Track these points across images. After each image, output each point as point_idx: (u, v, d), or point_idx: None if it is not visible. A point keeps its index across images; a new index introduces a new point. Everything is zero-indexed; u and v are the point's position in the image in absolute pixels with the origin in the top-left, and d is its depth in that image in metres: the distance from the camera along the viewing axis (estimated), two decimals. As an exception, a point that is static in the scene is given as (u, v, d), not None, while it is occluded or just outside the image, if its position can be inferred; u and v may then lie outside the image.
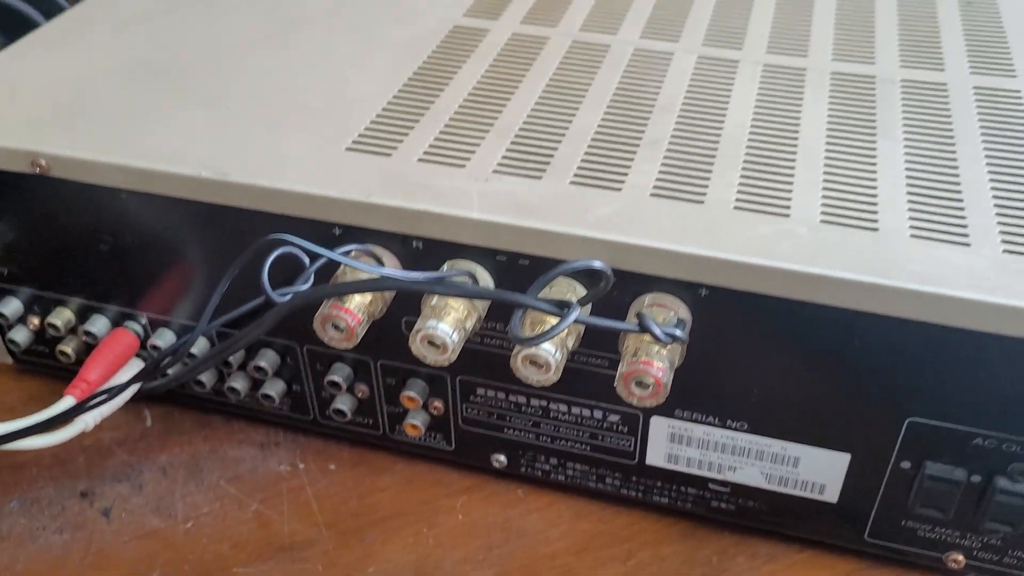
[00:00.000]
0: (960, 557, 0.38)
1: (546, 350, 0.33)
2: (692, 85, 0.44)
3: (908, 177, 0.38)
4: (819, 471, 0.38)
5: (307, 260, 0.34)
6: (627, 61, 0.46)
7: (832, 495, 0.39)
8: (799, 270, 0.32)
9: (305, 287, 0.34)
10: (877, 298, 0.32)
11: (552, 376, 0.34)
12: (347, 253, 0.36)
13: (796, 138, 0.40)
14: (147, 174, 0.38)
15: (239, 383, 0.44)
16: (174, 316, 0.44)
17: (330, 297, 0.35)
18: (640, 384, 0.33)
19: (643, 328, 0.32)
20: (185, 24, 0.50)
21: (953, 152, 0.39)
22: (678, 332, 0.32)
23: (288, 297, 0.33)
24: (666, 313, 0.34)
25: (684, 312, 0.34)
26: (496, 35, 0.49)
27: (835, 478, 0.38)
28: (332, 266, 0.36)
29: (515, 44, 0.48)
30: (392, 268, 0.37)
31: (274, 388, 0.44)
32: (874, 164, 0.38)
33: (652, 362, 0.33)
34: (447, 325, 0.34)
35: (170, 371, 0.42)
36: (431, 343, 0.35)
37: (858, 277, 0.32)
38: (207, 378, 0.45)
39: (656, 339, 0.32)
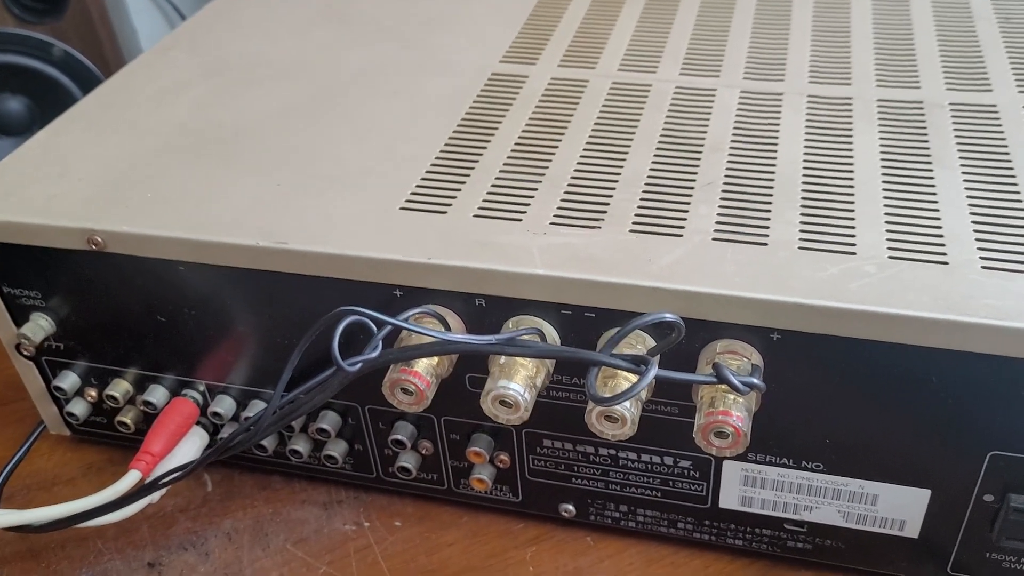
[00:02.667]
0: (1048, 588, 0.38)
1: (623, 406, 0.32)
2: (739, 121, 0.44)
3: (971, 206, 0.37)
4: (899, 508, 0.37)
5: (374, 327, 0.34)
6: (670, 100, 0.46)
7: (913, 531, 0.38)
8: (873, 311, 0.32)
9: (374, 355, 0.34)
10: (953, 335, 0.32)
11: (628, 431, 0.33)
12: (409, 317, 0.36)
13: (852, 171, 0.40)
14: (204, 246, 0.38)
15: (301, 445, 0.44)
16: (232, 382, 0.44)
17: (398, 362, 0.35)
18: (720, 435, 0.33)
19: (720, 379, 0.32)
20: (226, 92, 0.50)
21: (1013, 177, 0.39)
22: (755, 380, 0.32)
23: (358, 367, 0.33)
24: (739, 360, 0.34)
25: (757, 358, 0.34)
26: (535, 81, 0.49)
27: (916, 514, 0.37)
28: (393, 332, 0.36)
29: (556, 88, 0.48)
30: (457, 330, 0.37)
31: (336, 449, 0.44)
32: (934, 194, 0.38)
33: (731, 412, 0.32)
34: (519, 384, 0.34)
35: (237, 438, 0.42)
36: (503, 403, 0.34)
37: (933, 315, 0.32)
38: (269, 442, 0.45)
39: (734, 389, 0.32)
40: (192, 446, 0.44)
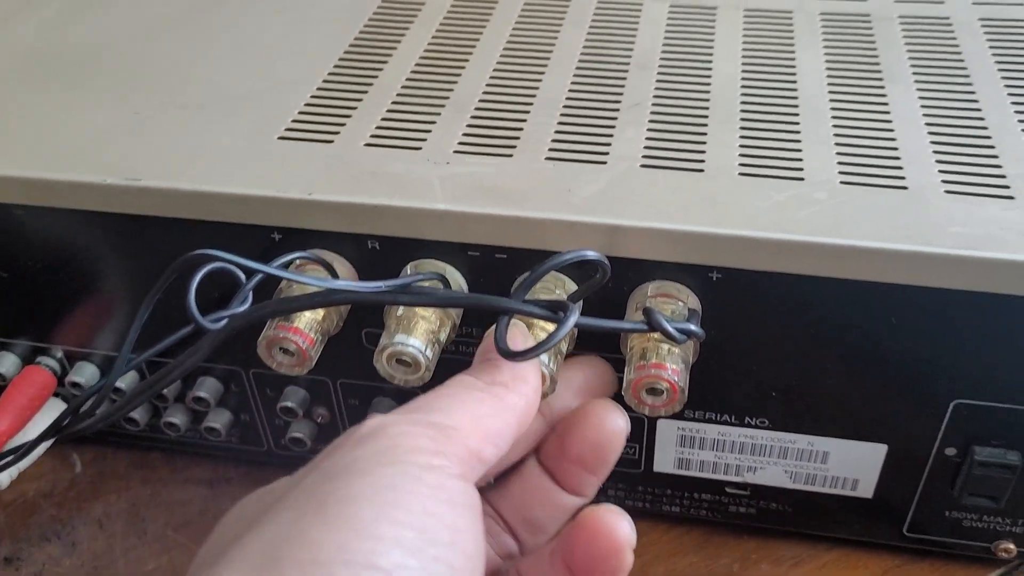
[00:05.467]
0: (1011, 546, 0.34)
1: (541, 360, 0.27)
2: (669, 36, 0.39)
3: (928, 125, 0.33)
4: (851, 465, 0.33)
5: (242, 275, 0.28)
6: (592, 13, 0.41)
7: (867, 490, 0.34)
8: (825, 242, 0.27)
9: (242, 308, 0.28)
10: (918, 268, 0.27)
11: (548, 389, 0.28)
12: (289, 264, 0.30)
13: (795, 89, 0.35)
14: (40, 184, 0.32)
15: (178, 417, 0.38)
16: (95, 347, 0.37)
17: (274, 316, 0.30)
18: (653, 391, 0.28)
19: (652, 326, 0.27)
20: (82, 8, 0.43)
21: (972, 93, 0.35)
22: (692, 327, 0.27)
23: (223, 323, 0.28)
24: (674, 304, 0.29)
25: (693, 301, 0.29)
26: (440, -4, 0.43)
27: (870, 471, 0.33)
28: (275, 278, 0.30)
29: (463, 2, 0.42)
30: (346, 277, 0.31)
31: (219, 419, 0.38)
32: (888, 113, 0.34)
33: (665, 364, 0.28)
34: (418, 339, 0.29)
35: (96, 411, 0.36)
36: (400, 361, 0.29)
37: (895, 246, 0.27)
38: (140, 415, 0.39)
39: (669, 338, 0.27)
40: (49, 420, 0.38)
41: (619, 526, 0.25)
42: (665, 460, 0.35)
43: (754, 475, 0.35)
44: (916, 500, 0.34)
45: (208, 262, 0.27)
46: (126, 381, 0.37)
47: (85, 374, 0.38)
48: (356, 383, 0.36)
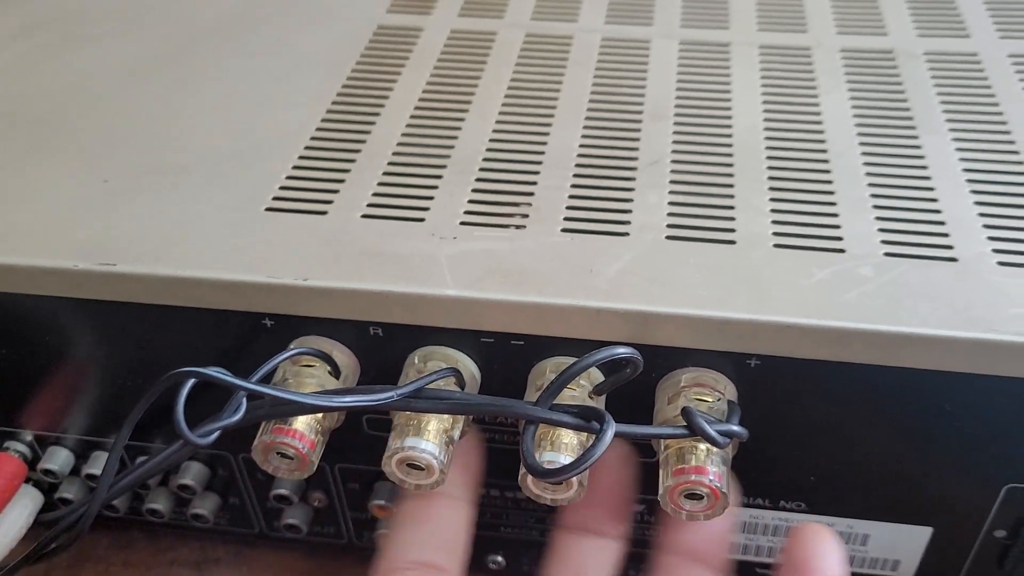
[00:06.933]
0: (1059, 624, 0.32)
1: (569, 471, 0.25)
2: (682, 80, 0.36)
3: (969, 182, 0.31)
4: (893, 547, 0.31)
5: (235, 382, 0.25)
6: (596, 55, 0.38)
7: (908, 572, 0.32)
8: (881, 330, 0.25)
9: (235, 419, 0.25)
10: (977, 356, 0.25)
11: (575, 495, 0.26)
12: (280, 363, 0.27)
13: (824, 142, 0.33)
14: (6, 271, 0.29)
15: (161, 503, 0.36)
16: (66, 431, 0.34)
17: (270, 420, 0.27)
18: (692, 496, 0.25)
19: (693, 430, 0.24)
20: (44, 55, 0.39)
21: (1012, 144, 0.32)
22: (735, 428, 0.25)
23: (214, 436, 0.25)
24: (711, 396, 0.26)
25: (730, 390, 0.27)
26: (432, 34, 0.40)
27: (913, 553, 0.31)
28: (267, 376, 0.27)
29: (457, 43, 0.39)
30: (347, 366, 0.28)
31: (206, 505, 0.35)
32: (925, 168, 0.31)
33: (706, 469, 0.25)
34: (431, 442, 0.26)
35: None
36: (412, 466, 0.26)
37: (958, 334, 0.25)
38: (120, 502, 0.36)
39: (711, 443, 0.25)
40: (23, 511, 0.35)
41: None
42: (692, 542, 0.33)
43: (788, 557, 0.32)
44: (961, 581, 0.32)
45: (189, 378, 0.24)
46: (99, 466, 0.34)
47: (59, 460, 0.35)
48: (356, 467, 0.33)
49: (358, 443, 0.32)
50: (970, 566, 0.31)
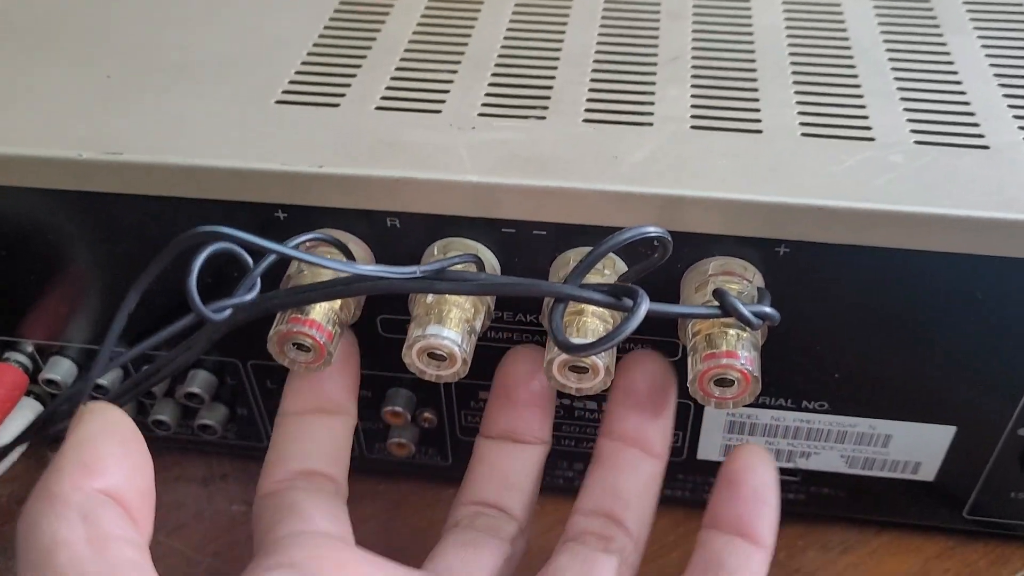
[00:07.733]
0: (1077, 526, 0.32)
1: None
2: (699, -19, 0.35)
3: (997, 76, 0.30)
4: (915, 448, 0.31)
5: (250, 259, 0.24)
6: (610, -42, 0.37)
7: (929, 473, 0.32)
8: (915, 212, 0.24)
9: (249, 297, 0.24)
10: (1015, 239, 0.25)
11: (601, 383, 0.25)
12: (299, 245, 0.27)
13: (847, 39, 0.32)
14: (7, 162, 0.28)
15: (167, 414, 0.35)
16: (69, 340, 0.33)
17: (287, 308, 0.26)
18: (722, 382, 0.25)
19: (726, 311, 0.24)
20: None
21: (1038, 39, 0.32)
22: (768, 309, 0.24)
23: (227, 313, 0.24)
24: (739, 284, 0.26)
25: (759, 279, 0.26)
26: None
27: (935, 454, 0.31)
28: (279, 263, 0.26)
29: (465, -52, 0.38)
30: (364, 260, 0.28)
31: (213, 416, 0.35)
32: (952, 64, 0.31)
33: (737, 352, 0.25)
34: (453, 330, 0.25)
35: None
36: (433, 355, 0.26)
37: (991, 215, 0.24)
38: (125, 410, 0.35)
39: (744, 323, 0.24)
40: (23, 424, 0.34)
41: None
42: (710, 447, 0.33)
43: (807, 461, 0.32)
44: (981, 482, 0.32)
45: (215, 240, 0.23)
46: (109, 378, 0.33)
47: (61, 370, 0.34)
48: (369, 373, 0.32)
49: (371, 346, 0.31)
50: (991, 467, 0.31)
